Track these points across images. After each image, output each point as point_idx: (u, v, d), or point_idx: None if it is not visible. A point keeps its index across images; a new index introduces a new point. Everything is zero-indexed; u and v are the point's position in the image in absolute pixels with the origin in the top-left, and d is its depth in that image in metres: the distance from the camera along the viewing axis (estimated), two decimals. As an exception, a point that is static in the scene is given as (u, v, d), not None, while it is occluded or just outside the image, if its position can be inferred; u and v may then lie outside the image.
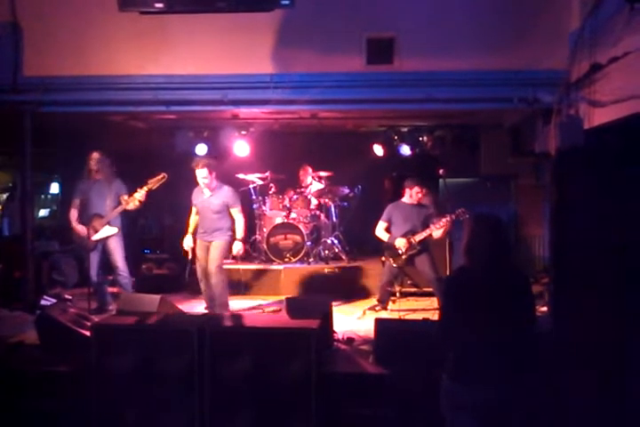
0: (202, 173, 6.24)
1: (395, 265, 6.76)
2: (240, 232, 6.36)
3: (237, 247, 6.36)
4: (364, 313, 6.73)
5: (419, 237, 6.60)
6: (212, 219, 6.35)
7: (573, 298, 5.29)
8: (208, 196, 6.38)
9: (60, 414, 4.57)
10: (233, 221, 6.40)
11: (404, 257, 6.68)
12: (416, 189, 6.78)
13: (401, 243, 6.65)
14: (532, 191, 7.99)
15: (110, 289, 6.84)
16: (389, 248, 6.77)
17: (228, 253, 6.51)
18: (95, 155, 6.50)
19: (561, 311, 5.44)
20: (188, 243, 6.39)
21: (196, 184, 6.41)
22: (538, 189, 7.63)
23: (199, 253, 6.39)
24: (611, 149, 5.17)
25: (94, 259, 6.46)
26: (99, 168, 6.47)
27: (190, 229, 6.48)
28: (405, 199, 6.88)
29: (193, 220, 6.51)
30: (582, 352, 4.73)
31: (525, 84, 5.83)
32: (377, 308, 6.88)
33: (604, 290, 5.11)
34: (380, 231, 6.88)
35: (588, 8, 5.09)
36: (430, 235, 6.60)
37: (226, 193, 6.41)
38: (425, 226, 6.64)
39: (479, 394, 3.15)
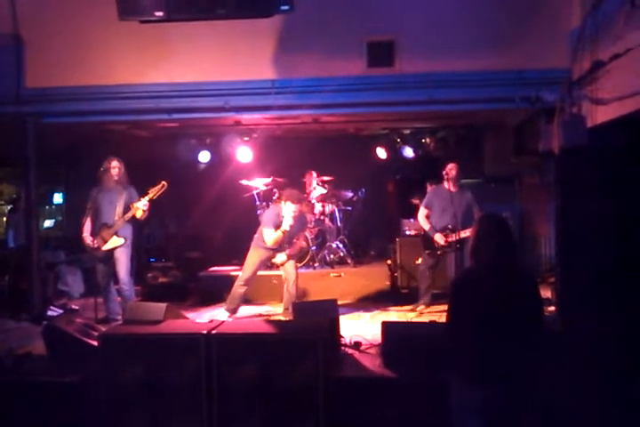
0: (293, 208, 6.29)
1: (428, 256, 6.73)
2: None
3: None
4: (415, 310, 6.79)
5: (458, 237, 6.35)
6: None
7: (580, 297, 5.27)
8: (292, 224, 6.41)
9: (69, 425, 4.55)
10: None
11: (439, 253, 6.64)
12: (450, 165, 6.65)
13: (439, 239, 6.58)
14: (536, 191, 7.96)
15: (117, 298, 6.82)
16: (427, 240, 6.72)
17: None
18: (115, 162, 6.47)
19: (568, 311, 5.42)
20: None
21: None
22: (542, 189, 7.60)
23: (256, 260, 6.56)
24: (614, 146, 5.15)
25: (104, 268, 6.45)
26: (119, 176, 6.46)
27: None
28: (446, 184, 6.70)
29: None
30: (590, 351, 4.71)
31: (527, 83, 5.81)
32: (417, 308, 6.84)
33: (611, 289, 5.09)
34: (422, 219, 6.80)
35: (588, 5, 5.09)
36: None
37: (304, 221, 6.71)
38: (467, 216, 6.38)
39: (488, 395, 3.13)
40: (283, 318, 6.43)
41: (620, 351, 4.70)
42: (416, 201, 7.39)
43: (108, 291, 6.51)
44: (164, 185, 6.38)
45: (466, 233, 6.15)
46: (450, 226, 6.52)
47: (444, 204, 6.56)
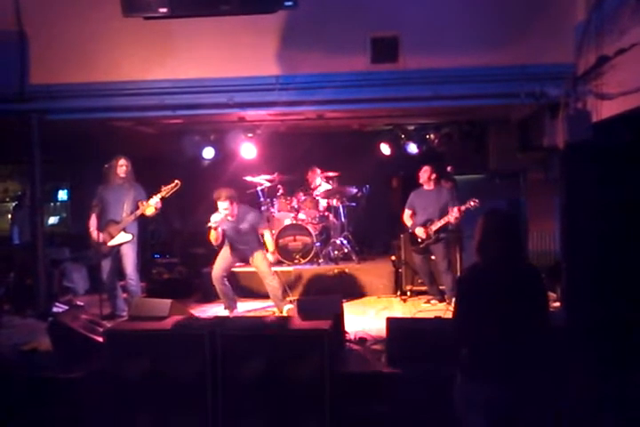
0: (223, 205, 6.41)
1: (415, 253, 7.07)
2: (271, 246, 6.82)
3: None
4: (429, 303, 7.12)
5: (435, 227, 6.78)
6: (245, 239, 6.65)
7: (586, 292, 5.26)
8: (232, 222, 6.57)
9: (75, 420, 4.57)
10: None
11: (421, 246, 6.93)
12: (424, 168, 7.02)
13: (420, 232, 6.90)
14: (541, 186, 7.93)
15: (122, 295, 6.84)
16: (411, 236, 7.08)
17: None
18: (123, 160, 6.50)
19: (574, 306, 5.41)
20: None
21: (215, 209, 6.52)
22: (547, 184, 7.57)
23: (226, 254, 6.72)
24: (620, 141, 5.13)
25: (108, 264, 6.46)
26: (126, 173, 6.49)
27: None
28: (424, 185, 7.09)
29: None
30: (596, 347, 4.70)
31: (532, 78, 5.79)
32: (432, 301, 7.12)
33: (616, 284, 5.08)
34: (406, 218, 7.20)
35: (592, 0, 5.06)
36: (448, 223, 6.74)
37: (252, 217, 6.65)
38: (444, 213, 6.77)
39: (493, 392, 3.13)
40: (278, 313, 6.55)
41: (625, 347, 4.69)
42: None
43: (113, 287, 6.53)
44: (177, 184, 6.44)
45: (440, 223, 6.74)
46: (429, 220, 6.88)
47: (424, 202, 7.01)
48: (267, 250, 6.77)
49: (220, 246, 6.77)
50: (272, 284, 6.67)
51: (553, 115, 5.80)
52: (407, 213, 7.19)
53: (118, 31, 6.14)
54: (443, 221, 6.73)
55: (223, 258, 6.71)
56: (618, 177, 5.16)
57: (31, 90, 6.32)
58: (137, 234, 6.47)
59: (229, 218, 6.52)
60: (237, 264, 7.13)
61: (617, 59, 4.75)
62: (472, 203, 6.52)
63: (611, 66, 4.89)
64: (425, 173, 7.02)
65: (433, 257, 7.04)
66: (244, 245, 6.66)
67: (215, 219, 6.43)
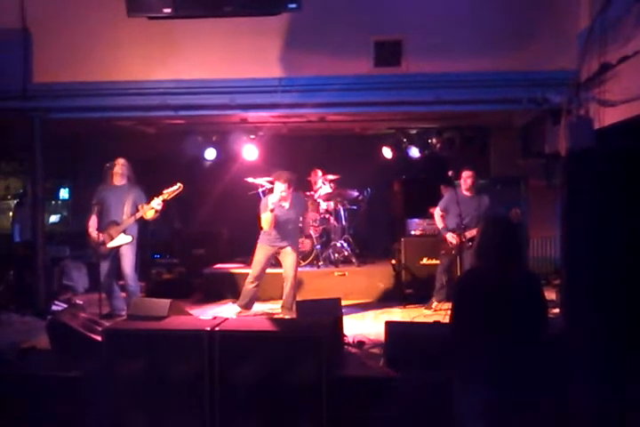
0: (281, 188, 6.33)
1: (443, 256, 6.91)
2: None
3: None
4: (430, 308, 6.94)
5: (470, 235, 6.49)
6: (288, 229, 6.54)
7: (585, 299, 5.25)
8: (287, 208, 6.49)
9: (73, 419, 4.57)
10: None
11: (453, 252, 6.74)
12: (466, 173, 6.79)
13: (451, 238, 6.74)
14: (542, 192, 7.94)
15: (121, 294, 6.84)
16: (441, 240, 6.89)
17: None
18: (121, 161, 6.48)
19: (573, 313, 5.40)
20: None
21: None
22: (549, 190, 7.58)
23: (262, 257, 6.54)
24: (622, 149, 5.13)
25: (107, 265, 6.46)
26: (124, 174, 6.48)
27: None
28: (464, 191, 6.86)
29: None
30: (594, 354, 4.69)
31: (534, 84, 5.81)
32: (433, 305, 6.96)
33: (616, 291, 5.07)
34: (438, 218, 6.99)
35: (596, 7, 5.07)
36: None
37: (301, 204, 6.67)
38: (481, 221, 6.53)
39: (491, 396, 3.13)
40: (282, 316, 6.47)
41: (625, 353, 4.69)
42: (433, 211, 7.46)
43: (112, 288, 6.52)
44: (180, 187, 6.37)
45: (473, 233, 6.31)
46: (460, 226, 6.65)
47: (460, 209, 6.67)
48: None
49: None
50: (291, 290, 6.51)
51: (555, 121, 5.80)
52: (438, 212, 6.97)
53: (122, 31, 6.16)
54: (474, 232, 6.29)
55: (266, 256, 6.56)
56: (620, 184, 5.15)
57: (34, 88, 6.34)
58: (137, 235, 6.47)
59: (282, 203, 6.42)
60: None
61: (620, 66, 4.75)
62: (514, 213, 6.36)
63: (614, 73, 4.90)
64: (469, 179, 6.79)
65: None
66: (284, 236, 6.50)
67: (273, 200, 6.33)
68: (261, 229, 6.52)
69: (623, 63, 4.68)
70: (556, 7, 5.84)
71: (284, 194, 6.36)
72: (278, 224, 6.47)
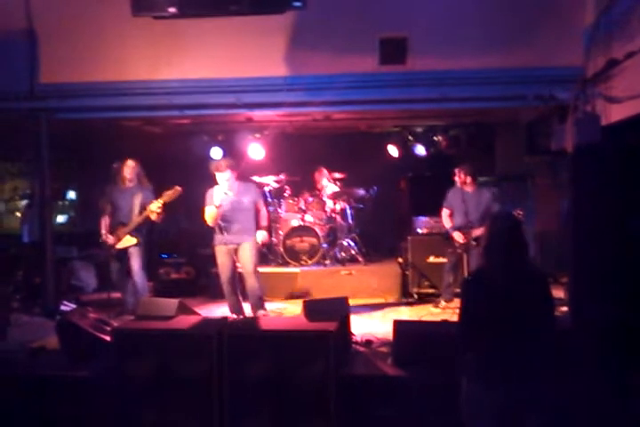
0: (225, 176, 5.99)
1: (450, 255, 6.91)
2: (264, 222, 6.29)
3: (261, 236, 6.21)
4: (438, 307, 6.91)
5: (475, 234, 6.48)
6: (239, 220, 6.13)
7: (592, 297, 5.23)
8: (233, 196, 6.08)
9: (81, 419, 4.59)
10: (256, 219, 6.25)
11: (459, 251, 6.75)
12: (455, 170, 6.82)
13: (458, 237, 6.72)
14: (549, 190, 7.92)
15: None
16: (448, 238, 6.88)
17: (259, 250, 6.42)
18: (130, 163, 6.48)
19: (580, 310, 5.38)
20: None
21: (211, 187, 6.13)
22: (555, 188, 7.56)
23: (223, 258, 6.19)
24: (628, 145, 5.11)
25: (117, 265, 6.49)
26: (132, 176, 6.48)
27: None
28: (462, 186, 6.85)
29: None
30: (602, 352, 4.68)
31: (540, 81, 5.78)
32: (440, 304, 6.94)
33: (623, 288, 5.05)
34: (445, 218, 6.97)
35: (602, 3, 5.05)
36: None
37: (254, 190, 6.30)
38: (484, 216, 6.45)
39: (499, 396, 3.12)
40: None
41: (631, 351, 4.67)
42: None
43: (124, 286, 6.55)
44: (178, 190, 6.25)
45: (478, 232, 6.29)
46: (467, 224, 6.66)
47: (461, 204, 6.73)
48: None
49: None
50: (254, 284, 6.16)
51: (561, 118, 5.78)
52: (445, 212, 6.95)
53: (127, 31, 6.16)
54: (480, 231, 6.19)
55: (222, 264, 6.21)
56: (626, 181, 5.13)
57: (40, 89, 6.35)
58: (144, 236, 6.48)
59: (227, 193, 6.02)
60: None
61: (626, 62, 4.73)
62: (516, 214, 6.26)
63: (620, 69, 4.88)
64: (462, 174, 6.76)
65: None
66: (236, 230, 6.06)
67: (218, 195, 5.94)
68: (207, 224, 6.17)
69: (629, 59, 4.66)
70: (562, 3, 5.81)
71: (228, 183, 5.99)
72: (227, 217, 6.07)
